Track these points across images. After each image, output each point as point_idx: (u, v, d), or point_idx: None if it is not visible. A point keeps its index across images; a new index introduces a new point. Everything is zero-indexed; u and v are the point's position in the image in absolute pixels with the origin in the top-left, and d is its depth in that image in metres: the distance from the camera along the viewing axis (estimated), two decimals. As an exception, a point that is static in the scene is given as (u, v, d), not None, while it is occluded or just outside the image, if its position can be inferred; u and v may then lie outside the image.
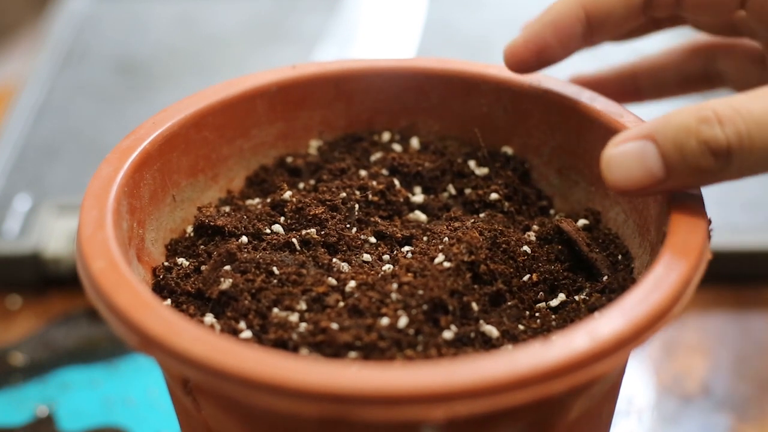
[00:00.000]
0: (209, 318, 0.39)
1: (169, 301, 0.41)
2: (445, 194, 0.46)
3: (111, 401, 0.56)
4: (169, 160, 0.44)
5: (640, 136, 0.37)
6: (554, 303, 0.41)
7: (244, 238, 0.42)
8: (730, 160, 0.36)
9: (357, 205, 0.44)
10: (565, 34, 0.44)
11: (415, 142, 0.49)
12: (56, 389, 0.56)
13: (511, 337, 0.38)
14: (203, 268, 0.42)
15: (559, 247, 0.43)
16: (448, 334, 0.37)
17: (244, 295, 0.39)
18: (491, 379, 0.32)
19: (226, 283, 0.39)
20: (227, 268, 0.40)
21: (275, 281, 0.40)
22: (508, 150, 0.48)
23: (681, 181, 0.37)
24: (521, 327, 0.39)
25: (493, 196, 0.45)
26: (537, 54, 0.44)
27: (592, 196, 0.46)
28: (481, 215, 0.45)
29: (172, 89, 0.81)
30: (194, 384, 0.36)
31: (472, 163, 0.47)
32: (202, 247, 0.43)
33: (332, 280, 0.40)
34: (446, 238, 0.42)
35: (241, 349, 0.33)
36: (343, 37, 0.86)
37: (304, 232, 0.43)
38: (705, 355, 0.59)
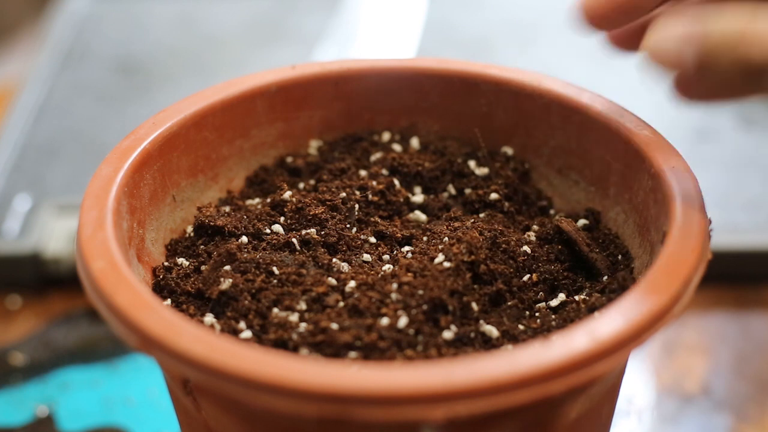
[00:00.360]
0: (209, 318, 0.39)
1: (169, 301, 0.41)
2: (445, 194, 0.46)
3: (111, 401, 0.56)
4: (169, 160, 0.44)
5: (691, 26, 0.36)
6: (554, 303, 0.41)
7: (244, 238, 0.42)
8: (762, 78, 0.36)
9: (357, 205, 0.44)
10: None
11: (415, 142, 0.49)
12: (56, 389, 0.56)
13: (511, 337, 0.38)
14: (203, 268, 0.42)
15: (559, 247, 0.43)
16: (448, 334, 0.37)
17: (244, 295, 0.39)
18: (491, 379, 0.32)
19: (226, 283, 0.39)
20: (227, 268, 0.40)
21: (275, 281, 0.40)
22: (508, 150, 0.48)
23: (707, 90, 0.37)
24: (521, 327, 0.39)
25: (493, 196, 0.45)
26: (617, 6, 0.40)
27: (592, 196, 0.46)
28: (481, 215, 0.45)
29: (172, 89, 0.81)
30: (194, 384, 0.36)
31: (472, 163, 0.47)
32: (202, 247, 0.43)
33: (332, 280, 0.40)
34: (446, 238, 0.42)
35: (241, 349, 0.33)
36: (343, 37, 0.86)
37: (304, 232, 0.43)
38: (705, 355, 0.59)
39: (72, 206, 0.65)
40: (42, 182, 0.69)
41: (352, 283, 0.40)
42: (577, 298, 0.41)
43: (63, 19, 0.90)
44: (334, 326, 0.37)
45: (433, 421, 0.32)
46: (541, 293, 0.41)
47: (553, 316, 0.40)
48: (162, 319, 0.34)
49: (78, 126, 0.76)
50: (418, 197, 0.46)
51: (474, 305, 0.39)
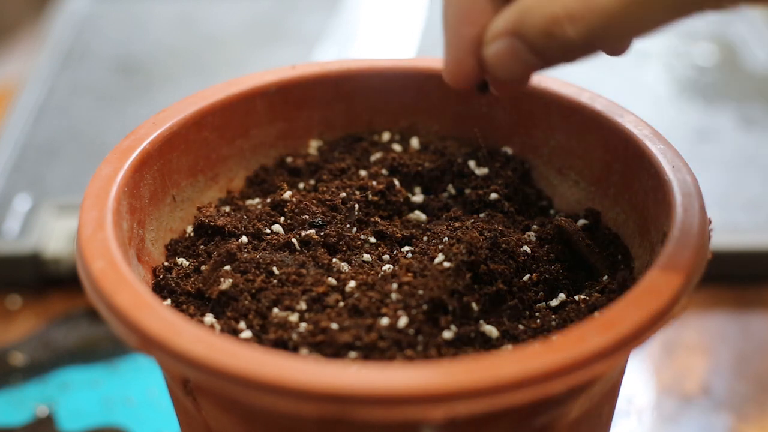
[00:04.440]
0: (209, 318, 0.39)
1: (169, 301, 0.41)
2: (445, 194, 0.46)
3: (111, 401, 0.56)
4: (169, 160, 0.44)
5: (505, 33, 0.37)
6: (554, 303, 0.41)
7: (244, 238, 0.42)
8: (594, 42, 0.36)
9: (357, 205, 0.44)
10: None
11: (415, 142, 0.49)
12: (56, 389, 0.56)
13: (511, 337, 0.38)
14: (203, 268, 0.42)
15: (559, 247, 0.43)
16: (448, 334, 0.37)
17: (244, 295, 0.39)
18: (491, 379, 0.32)
19: (226, 283, 0.39)
20: (227, 268, 0.40)
21: (275, 281, 0.40)
22: (508, 150, 0.48)
23: (555, 61, 0.37)
24: (521, 327, 0.39)
25: (493, 196, 0.45)
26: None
27: (592, 196, 0.46)
28: (481, 215, 0.45)
29: (172, 89, 0.81)
30: (194, 384, 0.36)
31: (472, 163, 0.47)
32: (202, 247, 0.43)
33: (332, 280, 0.40)
34: (446, 238, 0.42)
35: (241, 349, 0.33)
36: (343, 37, 0.86)
37: (303, 232, 0.42)
38: (705, 355, 0.59)
39: (72, 206, 0.65)
40: (42, 182, 0.69)
41: (352, 283, 0.40)
42: (577, 298, 0.41)
43: (63, 19, 0.90)
44: (334, 326, 0.37)
45: (433, 421, 0.32)
46: (541, 293, 0.41)
47: (553, 316, 0.40)
48: (162, 319, 0.34)
49: (78, 126, 0.76)
50: (418, 197, 0.46)
51: (474, 305, 0.39)
